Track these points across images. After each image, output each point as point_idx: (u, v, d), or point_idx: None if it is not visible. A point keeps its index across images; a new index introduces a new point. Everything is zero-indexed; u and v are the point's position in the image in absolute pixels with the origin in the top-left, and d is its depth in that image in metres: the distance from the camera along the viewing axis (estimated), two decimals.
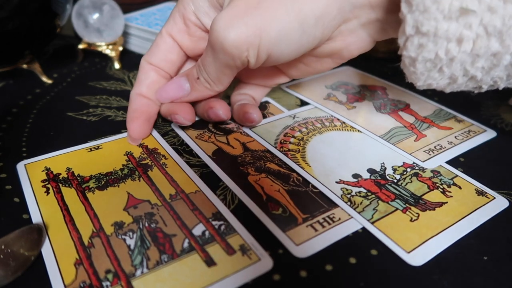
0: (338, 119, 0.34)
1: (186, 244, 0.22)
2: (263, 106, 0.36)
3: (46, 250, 0.21)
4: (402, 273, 0.21)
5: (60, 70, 0.41)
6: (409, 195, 0.26)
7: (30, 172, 0.27)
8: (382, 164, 0.29)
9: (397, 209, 0.25)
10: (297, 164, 0.28)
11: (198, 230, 0.23)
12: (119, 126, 0.32)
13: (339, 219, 0.24)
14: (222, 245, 0.22)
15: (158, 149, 0.29)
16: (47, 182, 0.26)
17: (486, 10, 0.20)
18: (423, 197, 0.26)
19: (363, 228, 0.23)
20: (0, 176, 0.26)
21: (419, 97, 0.38)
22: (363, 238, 0.23)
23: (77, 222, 0.23)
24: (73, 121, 0.33)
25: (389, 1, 0.24)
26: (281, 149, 0.30)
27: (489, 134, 0.33)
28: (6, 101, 0.35)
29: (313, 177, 0.27)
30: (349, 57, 0.28)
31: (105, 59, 0.44)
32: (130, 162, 0.28)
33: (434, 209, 0.25)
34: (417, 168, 0.28)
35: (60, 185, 0.26)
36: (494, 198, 0.26)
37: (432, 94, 0.38)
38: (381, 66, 0.44)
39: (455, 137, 0.32)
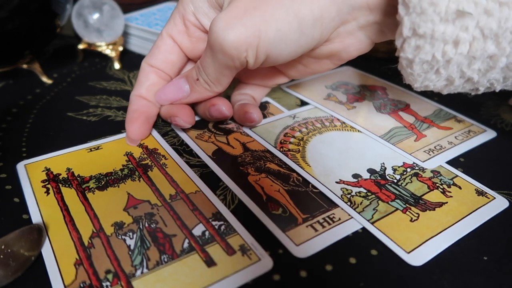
0: (338, 119, 0.34)
1: (186, 244, 0.22)
2: (263, 106, 0.36)
3: (46, 250, 0.21)
4: (402, 273, 0.21)
5: (60, 70, 0.41)
6: (409, 195, 0.26)
7: (30, 172, 0.27)
8: (382, 164, 0.29)
9: (397, 209, 0.25)
10: (297, 164, 0.28)
11: (198, 230, 0.23)
12: (119, 126, 0.32)
13: (339, 219, 0.24)
14: (222, 245, 0.22)
15: (158, 149, 0.29)
16: (47, 183, 0.26)
17: (482, 13, 0.20)
18: (423, 197, 0.26)
19: (363, 228, 0.23)
20: (0, 176, 0.26)
21: (419, 97, 0.38)
22: (363, 238, 0.23)
23: (77, 222, 0.23)
24: (73, 121, 0.33)
25: (387, 3, 0.24)
26: (281, 149, 0.30)
27: (489, 134, 0.33)
28: (6, 101, 0.35)
29: (313, 177, 0.27)
30: (347, 59, 0.28)
31: (105, 59, 0.44)
32: (130, 163, 0.28)
33: (434, 209, 0.25)
34: (417, 168, 0.28)
35: (60, 185, 0.26)
36: (494, 198, 0.26)
37: (432, 94, 0.38)
38: (381, 66, 0.44)
39: (455, 137, 0.32)
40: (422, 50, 0.22)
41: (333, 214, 0.24)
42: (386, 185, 0.27)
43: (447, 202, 0.25)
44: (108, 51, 0.42)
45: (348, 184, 0.26)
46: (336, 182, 0.27)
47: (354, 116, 0.34)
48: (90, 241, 0.22)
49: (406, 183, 0.27)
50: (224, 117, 0.31)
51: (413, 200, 0.25)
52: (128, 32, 0.46)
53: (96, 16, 0.40)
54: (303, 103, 0.36)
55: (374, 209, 0.24)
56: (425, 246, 0.22)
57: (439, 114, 0.35)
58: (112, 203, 0.24)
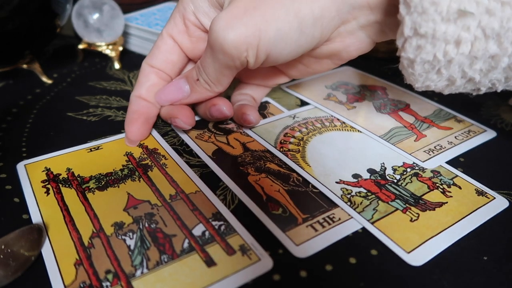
0: (338, 119, 0.34)
1: (186, 244, 0.22)
2: (263, 106, 0.36)
3: (46, 250, 0.21)
4: (402, 273, 0.21)
5: (60, 70, 0.41)
6: (409, 195, 0.26)
7: (30, 172, 0.27)
8: (382, 164, 0.29)
9: (397, 209, 0.25)
10: (297, 164, 0.28)
11: (198, 230, 0.23)
12: (119, 126, 0.32)
13: (339, 219, 0.24)
14: (222, 245, 0.22)
15: (158, 150, 0.29)
16: (47, 183, 0.26)
17: (484, 13, 0.20)
18: (423, 197, 0.26)
19: (363, 228, 0.23)
20: (0, 176, 0.26)
21: (419, 97, 0.38)
22: (363, 238, 0.23)
23: (77, 222, 0.23)
24: (73, 121, 0.33)
25: (387, 2, 0.24)
26: (281, 149, 0.30)
27: (489, 134, 0.33)
28: (6, 101, 0.35)
29: (313, 177, 0.27)
30: (348, 59, 0.28)
31: (105, 59, 0.44)
32: (130, 163, 0.28)
33: (434, 209, 0.25)
34: (417, 168, 0.28)
35: (60, 185, 0.26)
36: (494, 198, 0.26)
37: (432, 94, 0.38)
38: (381, 66, 0.44)
39: (455, 137, 0.32)
40: (423, 50, 0.22)
41: (333, 214, 0.24)
42: (386, 185, 0.27)
43: (447, 202, 0.25)
44: (108, 51, 0.42)
45: (348, 184, 0.26)
46: (336, 182, 0.27)
47: (354, 116, 0.34)
48: (90, 241, 0.22)
49: (406, 183, 0.27)
50: (224, 117, 0.31)
51: (413, 200, 0.25)
52: (128, 32, 0.46)
53: (96, 16, 0.40)
54: (303, 103, 0.36)
55: (374, 209, 0.24)
56: (425, 246, 0.22)
57: (439, 114, 0.35)
58: (112, 203, 0.24)
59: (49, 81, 0.39)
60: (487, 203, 0.26)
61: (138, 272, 0.20)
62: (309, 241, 0.22)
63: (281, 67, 0.31)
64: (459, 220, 0.24)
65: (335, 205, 0.25)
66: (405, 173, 0.28)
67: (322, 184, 0.26)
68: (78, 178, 0.26)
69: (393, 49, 0.24)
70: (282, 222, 0.23)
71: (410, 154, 0.30)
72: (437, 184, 0.27)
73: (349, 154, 0.30)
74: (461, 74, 0.23)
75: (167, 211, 0.24)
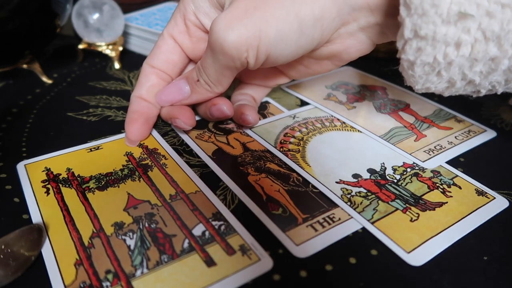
0: (338, 119, 0.34)
1: (186, 244, 0.22)
2: (263, 106, 0.36)
3: (46, 250, 0.21)
4: (402, 273, 0.21)
5: (60, 70, 0.41)
6: (409, 195, 0.26)
7: (30, 172, 0.27)
8: (382, 164, 0.29)
9: (397, 209, 0.25)
10: (297, 164, 0.28)
11: (198, 230, 0.23)
12: (119, 126, 0.32)
13: (339, 219, 0.24)
14: (222, 245, 0.22)
15: (158, 149, 0.29)
16: (47, 183, 0.26)
17: (485, 15, 0.20)
18: (423, 197, 0.26)
19: (363, 228, 0.23)
20: (0, 176, 0.26)
21: (419, 97, 0.38)
22: (363, 238, 0.23)
23: (77, 222, 0.23)
24: (73, 121, 0.33)
25: (388, 4, 0.24)
26: (281, 149, 0.30)
27: (489, 134, 0.33)
28: (6, 101, 0.35)
29: (313, 177, 0.27)
30: (348, 60, 0.28)
31: (105, 59, 0.44)
32: (130, 163, 0.28)
33: (434, 209, 0.25)
34: (417, 168, 0.28)
35: (60, 185, 0.26)
36: (494, 198, 0.26)
37: (432, 94, 0.38)
38: (381, 66, 0.44)
39: (455, 137, 0.32)
40: (423, 52, 0.22)
41: (333, 214, 0.24)
42: (386, 185, 0.27)
43: (447, 202, 0.25)
44: (108, 51, 0.42)
45: (348, 184, 0.26)
46: (336, 182, 0.27)
47: (354, 116, 0.34)
48: (90, 241, 0.22)
49: (406, 183, 0.27)
50: (225, 116, 0.31)
51: (413, 200, 0.25)
52: (128, 32, 0.46)
53: (96, 16, 0.40)
54: (303, 103, 0.36)
55: (374, 209, 0.24)
56: (425, 246, 0.22)
57: (439, 114, 0.35)
58: (112, 203, 0.24)
59: (49, 81, 0.39)
60: (487, 203, 0.26)
61: (138, 272, 0.20)
62: (309, 241, 0.22)
63: (281, 67, 0.31)
64: (459, 220, 0.24)
65: (335, 205, 0.25)
66: (405, 173, 0.28)
67: (322, 184, 0.26)
68: (78, 178, 0.26)
69: (393, 49, 0.24)
70: (282, 222, 0.23)
71: (410, 154, 0.30)
72: (437, 184, 0.27)
73: (349, 154, 0.30)
74: (461, 76, 0.23)
75: (167, 211, 0.24)
